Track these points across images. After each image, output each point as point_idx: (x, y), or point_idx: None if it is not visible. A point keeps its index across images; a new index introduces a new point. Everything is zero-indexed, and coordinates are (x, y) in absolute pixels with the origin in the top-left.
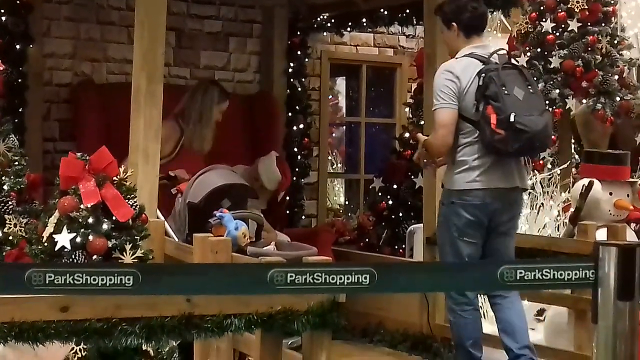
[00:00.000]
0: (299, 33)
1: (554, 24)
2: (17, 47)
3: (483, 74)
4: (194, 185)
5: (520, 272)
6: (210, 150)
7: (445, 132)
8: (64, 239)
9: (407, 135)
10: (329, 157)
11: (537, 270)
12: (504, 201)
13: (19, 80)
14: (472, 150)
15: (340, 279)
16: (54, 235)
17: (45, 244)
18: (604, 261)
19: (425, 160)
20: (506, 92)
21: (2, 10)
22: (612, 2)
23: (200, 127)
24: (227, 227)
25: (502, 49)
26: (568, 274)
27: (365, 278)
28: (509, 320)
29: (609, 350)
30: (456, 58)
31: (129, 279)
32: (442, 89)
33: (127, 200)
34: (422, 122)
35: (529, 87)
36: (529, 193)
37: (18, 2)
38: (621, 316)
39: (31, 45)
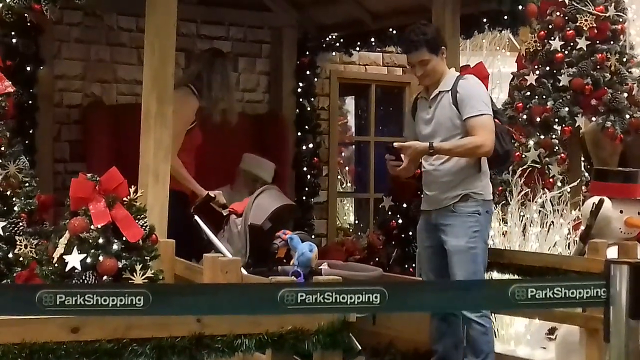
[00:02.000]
0: (307, 53)
1: (562, 42)
2: (28, 68)
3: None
4: (253, 207)
5: (532, 291)
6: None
7: (494, 137)
8: (74, 260)
9: None
10: (339, 177)
11: (548, 289)
12: None
13: (30, 102)
14: (485, 159)
15: (351, 298)
16: (64, 256)
17: (56, 265)
18: (615, 279)
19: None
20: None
21: (13, 32)
22: (621, 20)
23: (226, 96)
24: (298, 248)
25: None
26: (579, 293)
27: (376, 297)
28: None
29: None
30: (468, 77)
31: (139, 300)
32: (486, 99)
33: (137, 221)
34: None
35: None
36: (539, 211)
37: (29, 24)
38: (633, 335)
39: (42, 67)
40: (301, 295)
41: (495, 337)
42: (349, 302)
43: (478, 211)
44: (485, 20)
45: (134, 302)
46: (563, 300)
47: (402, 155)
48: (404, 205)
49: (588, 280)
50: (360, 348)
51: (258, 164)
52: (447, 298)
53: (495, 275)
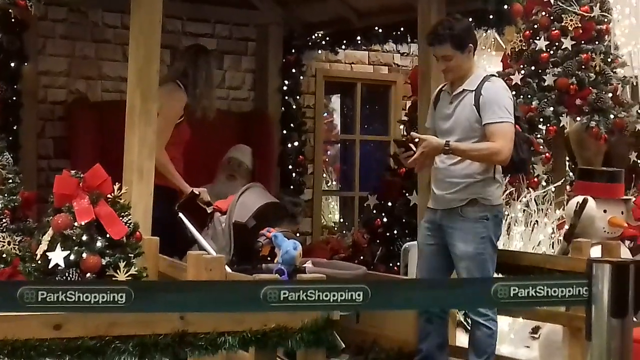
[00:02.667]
0: (293, 51)
1: (547, 42)
2: (12, 65)
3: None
4: (237, 205)
5: (514, 289)
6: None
7: (512, 146)
8: (57, 257)
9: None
10: (324, 175)
11: (530, 287)
12: None
13: (14, 98)
14: (500, 167)
15: (334, 296)
16: (47, 253)
17: (39, 262)
18: (597, 278)
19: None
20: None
21: None
22: (606, 20)
23: (208, 92)
24: (282, 246)
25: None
26: (562, 291)
27: (359, 295)
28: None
29: None
30: (496, 77)
31: (122, 297)
32: (508, 105)
33: (121, 218)
34: (417, 140)
35: None
36: (524, 210)
37: (13, 20)
38: (615, 333)
39: (26, 63)
40: (284, 293)
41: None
42: (332, 300)
43: (486, 216)
44: (471, 19)
45: (116, 299)
46: (545, 299)
47: (411, 146)
48: (389, 203)
49: (571, 279)
50: (343, 346)
51: (240, 150)
52: (430, 296)
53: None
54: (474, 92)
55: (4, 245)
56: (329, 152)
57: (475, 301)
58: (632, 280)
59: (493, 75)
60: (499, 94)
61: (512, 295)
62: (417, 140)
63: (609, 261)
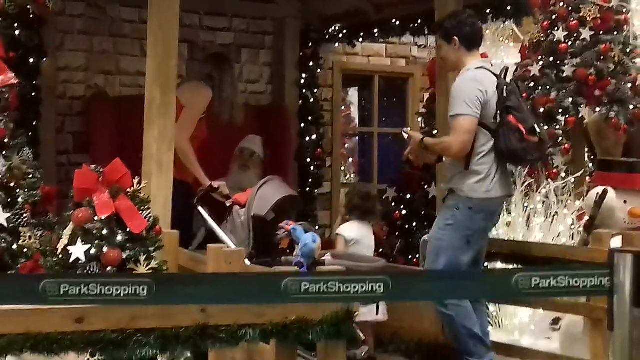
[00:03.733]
0: (310, 44)
1: (566, 33)
2: (31, 60)
3: (505, 87)
4: (257, 198)
5: (535, 280)
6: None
7: (468, 138)
8: (78, 251)
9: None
10: (342, 168)
11: (552, 278)
12: (502, 207)
13: (33, 94)
14: (489, 159)
15: (355, 288)
16: (68, 247)
17: (60, 256)
18: (619, 268)
19: (413, 158)
20: (522, 105)
21: (16, 24)
22: (624, 10)
23: (234, 98)
24: (302, 239)
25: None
26: (583, 282)
27: (380, 287)
28: (484, 324)
29: (626, 358)
30: (474, 69)
31: (143, 289)
32: (470, 97)
33: (141, 212)
34: (435, 132)
35: (526, 103)
36: (543, 202)
37: (31, 15)
38: (638, 323)
39: (45, 59)
40: (305, 285)
41: (500, 327)
42: (353, 292)
43: (457, 206)
44: (488, 10)
45: (138, 292)
46: (567, 290)
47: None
48: (408, 196)
49: (592, 269)
50: (364, 338)
51: (251, 140)
52: (451, 287)
53: (499, 265)
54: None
55: (25, 240)
56: (346, 145)
57: (496, 292)
58: None
59: (479, 67)
60: (458, 87)
61: (533, 286)
62: (406, 136)
63: (631, 251)
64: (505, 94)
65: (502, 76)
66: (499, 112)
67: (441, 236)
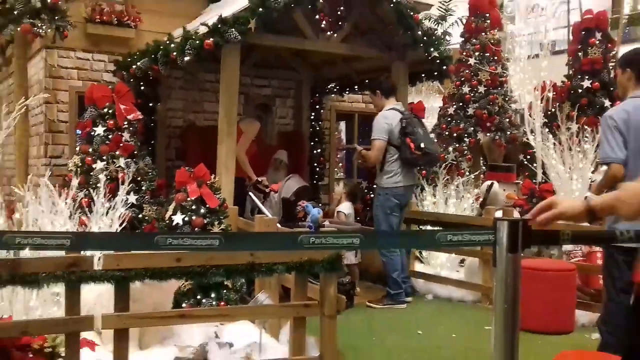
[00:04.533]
0: (317, 95)
1: (469, 88)
2: (150, 105)
3: (404, 120)
4: (284, 187)
5: (450, 236)
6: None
7: (379, 153)
8: (178, 219)
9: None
10: (335, 169)
11: (460, 235)
12: (410, 191)
13: (151, 124)
14: (396, 164)
15: (342, 240)
16: (172, 217)
17: (167, 222)
18: (500, 229)
19: (360, 162)
20: (416, 130)
21: (142, 83)
22: (505, 75)
23: (272, 130)
24: (311, 212)
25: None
26: (479, 237)
27: (357, 240)
28: (405, 271)
29: (503, 283)
30: (386, 110)
31: (216, 241)
32: (381, 127)
33: (215, 195)
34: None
35: (424, 129)
36: (456, 189)
37: (151, 78)
38: (510, 262)
39: (158, 104)
40: (312, 239)
41: (428, 264)
42: (340, 243)
43: (379, 194)
44: (423, 75)
45: (212, 243)
46: (469, 242)
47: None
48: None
49: (484, 230)
50: (347, 271)
51: (281, 152)
52: (397, 241)
53: (428, 227)
54: None
55: (146, 212)
56: (338, 156)
57: (425, 245)
58: (520, 231)
59: (390, 109)
60: (375, 122)
61: (448, 240)
62: (358, 148)
63: (507, 219)
64: (404, 125)
65: (411, 114)
66: (400, 135)
67: (375, 213)
